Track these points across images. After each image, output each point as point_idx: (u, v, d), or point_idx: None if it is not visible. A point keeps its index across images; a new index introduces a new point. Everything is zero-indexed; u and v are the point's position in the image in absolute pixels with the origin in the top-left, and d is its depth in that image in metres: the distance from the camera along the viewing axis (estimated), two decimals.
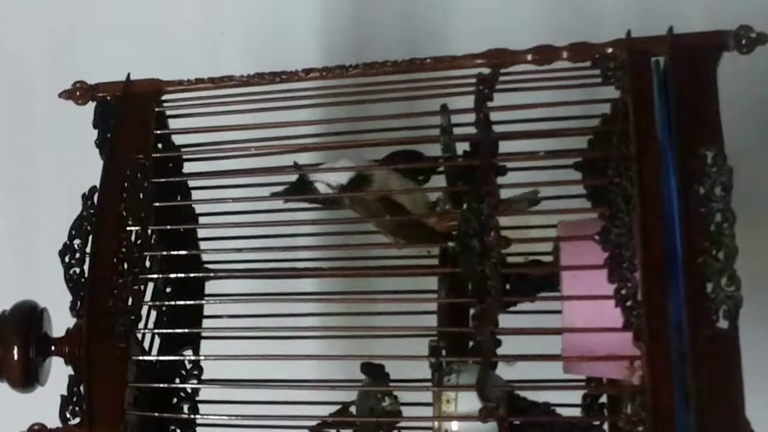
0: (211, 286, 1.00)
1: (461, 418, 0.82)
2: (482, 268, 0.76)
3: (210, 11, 1.39)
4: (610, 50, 0.80)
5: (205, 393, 0.94)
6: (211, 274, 0.97)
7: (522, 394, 0.85)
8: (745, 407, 0.69)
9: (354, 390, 0.90)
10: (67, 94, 0.89)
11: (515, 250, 0.81)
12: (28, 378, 0.84)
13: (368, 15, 1.35)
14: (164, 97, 0.89)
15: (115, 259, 0.81)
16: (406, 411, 0.91)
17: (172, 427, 0.93)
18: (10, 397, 0.86)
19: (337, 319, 1.01)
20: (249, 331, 0.85)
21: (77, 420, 0.80)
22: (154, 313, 0.92)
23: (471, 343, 0.82)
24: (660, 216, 0.73)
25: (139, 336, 0.85)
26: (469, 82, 0.83)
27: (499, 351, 0.82)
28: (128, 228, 0.83)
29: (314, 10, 1.36)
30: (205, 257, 0.98)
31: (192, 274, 0.93)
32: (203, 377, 0.94)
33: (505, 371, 0.85)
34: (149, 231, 0.84)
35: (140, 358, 0.82)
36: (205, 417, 0.88)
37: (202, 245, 0.99)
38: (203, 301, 0.97)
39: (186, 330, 0.93)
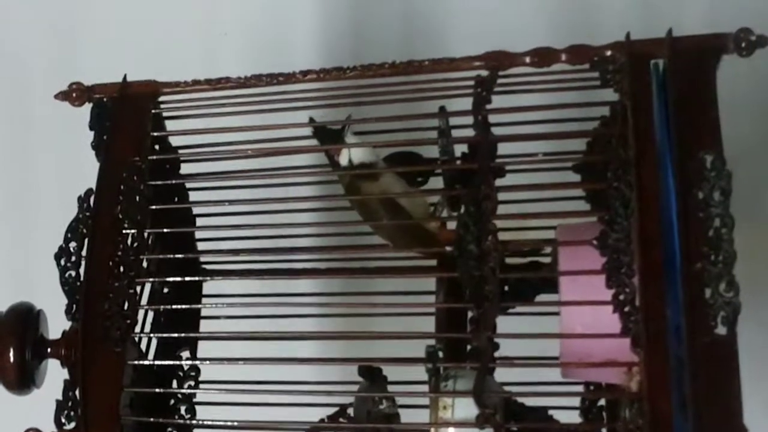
0: (208, 287, 1.00)
1: (458, 424, 0.82)
2: (480, 273, 0.76)
3: (210, 12, 1.39)
4: (609, 53, 0.80)
5: (202, 394, 0.94)
6: (208, 278, 0.97)
7: (519, 399, 0.84)
8: (743, 413, 0.69)
9: (351, 393, 0.90)
10: (63, 95, 0.89)
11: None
12: (23, 380, 0.83)
13: (367, 17, 1.34)
14: (161, 99, 0.89)
15: (110, 262, 0.81)
16: (404, 413, 0.91)
17: (169, 429, 0.93)
18: (5, 400, 0.86)
19: (334, 321, 1.01)
20: (246, 333, 0.85)
21: (72, 424, 0.80)
22: (150, 314, 0.92)
23: (468, 347, 0.82)
24: (658, 221, 0.73)
25: (136, 339, 0.84)
26: (467, 84, 0.83)
27: (497, 354, 0.82)
28: (124, 231, 0.82)
29: (313, 12, 1.36)
30: (202, 258, 0.98)
31: (188, 278, 0.92)
32: (200, 379, 0.94)
33: (502, 374, 0.85)
34: (145, 234, 0.83)
35: (136, 362, 0.82)
36: (201, 421, 0.88)
37: (200, 245, 0.98)
38: (200, 305, 0.96)
39: (183, 334, 0.93)
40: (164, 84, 0.89)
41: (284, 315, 0.95)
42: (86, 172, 0.86)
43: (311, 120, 0.88)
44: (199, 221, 0.97)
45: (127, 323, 0.80)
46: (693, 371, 0.69)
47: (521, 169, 0.88)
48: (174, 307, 0.92)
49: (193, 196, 0.95)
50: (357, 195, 0.89)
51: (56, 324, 0.85)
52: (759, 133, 1.23)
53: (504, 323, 0.81)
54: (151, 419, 0.84)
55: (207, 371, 0.93)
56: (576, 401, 0.97)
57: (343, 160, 0.88)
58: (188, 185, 0.94)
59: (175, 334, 0.92)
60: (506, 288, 0.91)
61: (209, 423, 0.84)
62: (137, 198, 0.83)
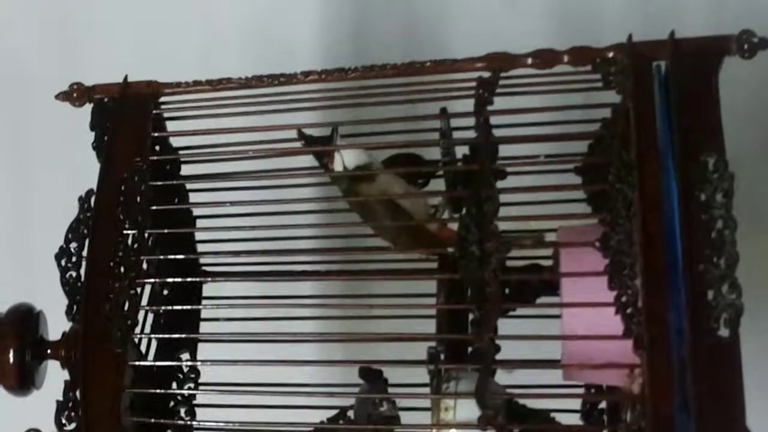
0: (208, 288, 1.00)
1: (460, 426, 0.82)
2: (481, 275, 0.75)
3: (211, 12, 1.39)
4: (611, 54, 0.80)
5: (202, 396, 0.94)
6: (208, 279, 0.96)
7: (521, 400, 0.84)
8: (745, 415, 0.69)
9: (352, 395, 0.90)
10: (63, 96, 0.89)
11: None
12: (23, 381, 0.83)
13: (368, 18, 1.34)
14: (162, 99, 0.89)
15: (111, 263, 0.81)
16: (404, 415, 0.90)
17: (169, 431, 0.93)
18: (6, 401, 0.86)
19: (335, 323, 1.01)
20: (246, 335, 0.84)
21: (73, 425, 0.79)
22: (151, 316, 0.92)
23: (470, 349, 0.81)
24: (661, 223, 0.72)
25: (136, 340, 0.84)
26: (469, 86, 0.83)
27: (499, 356, 0.81)
28: (125, 232, 0.82)
29: (314, 13, 1.35)
30: (202, 259, 0.98)
31: (189, 279, 0.92)
32: (200, 380, 0.94)
33: (503, 377, 0.85)
34: (146, 235, 0.83)
35: (136, 363, 0.82)
36: (201, 423, 0.88)
37: (200, 247, 0.98)
38: (200, 306, 0.96)
39: (183, 335, 0.93)
40: (165, 84, 0.89)
41: (284, 317, 0.95)
42: (87, 172, 0.86)
43: (300, 132, 0.87)
44: (200, 222, 0.97)
45: (127, 324, 0.80)
46: (695, 373, 0.69)
47: (523, 170, 0.88)
48: (174, 308, 0.92)
49: (194, 197, 0.95)
50: (362, 205, 0.88)
51: (56, 324, 0.85)
52: (761, 134, 1.23)
53: (505, 326, 0.81)
54: (152, 420, 0.83)
55: (207, 372, 0.93)
56: (578, 403, 0.96)
57: (337, 166, 0.87)
58: (189, 186, 0.94)
59: (176, 336, 0.92)
60: (507, 290, 0.91)
61: (209, 424, 0.84)
62: (138, 199, 0.83)
